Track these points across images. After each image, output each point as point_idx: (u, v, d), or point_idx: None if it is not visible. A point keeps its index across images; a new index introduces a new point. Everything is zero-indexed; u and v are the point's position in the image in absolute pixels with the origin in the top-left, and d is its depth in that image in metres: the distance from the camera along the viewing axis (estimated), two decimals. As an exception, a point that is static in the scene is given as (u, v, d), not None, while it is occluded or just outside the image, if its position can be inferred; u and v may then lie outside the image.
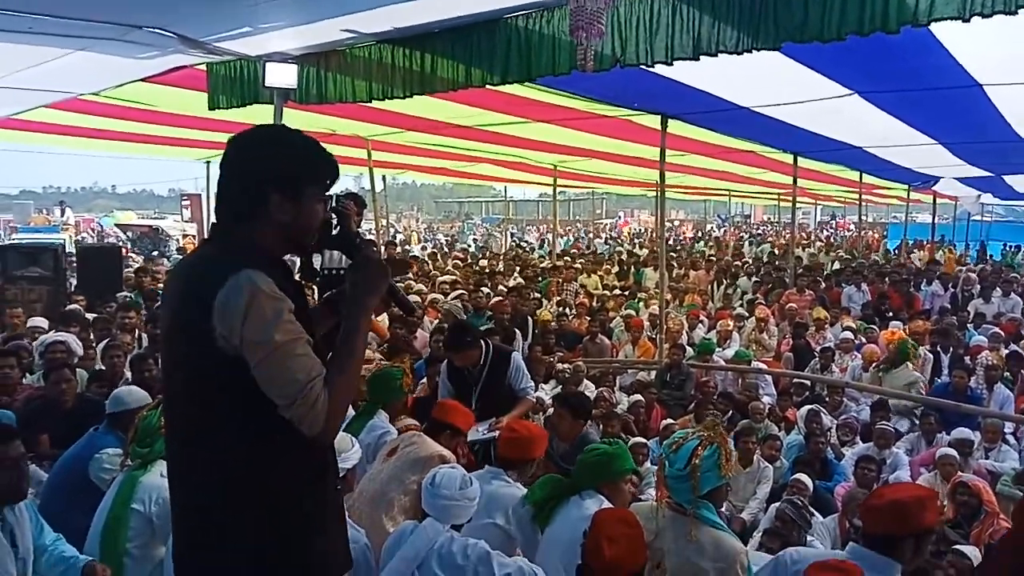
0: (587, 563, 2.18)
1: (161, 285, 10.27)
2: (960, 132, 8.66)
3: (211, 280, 1.61)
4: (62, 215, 28.22)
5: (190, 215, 30.35)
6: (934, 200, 21.16)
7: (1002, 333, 9.16)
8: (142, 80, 6.36)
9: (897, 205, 27.57)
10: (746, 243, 26.94)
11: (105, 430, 3.70)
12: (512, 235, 31.36)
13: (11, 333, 6.89)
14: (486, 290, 10.02)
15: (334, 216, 2.20)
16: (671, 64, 3.82)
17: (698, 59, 3.71)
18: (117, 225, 28.66)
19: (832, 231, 37.57)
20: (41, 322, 7.14)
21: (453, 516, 2.65)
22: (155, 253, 21.92)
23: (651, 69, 4.28)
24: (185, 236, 26.92)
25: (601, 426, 5.96)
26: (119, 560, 3.09)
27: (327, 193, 1.83)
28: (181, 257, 19.32)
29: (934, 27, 3.58)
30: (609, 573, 2.10)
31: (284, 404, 1.60)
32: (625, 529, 2.15)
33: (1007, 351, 8.15)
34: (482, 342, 4.72)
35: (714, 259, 17.06)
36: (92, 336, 6.92)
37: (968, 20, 3.02)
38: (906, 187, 18.11)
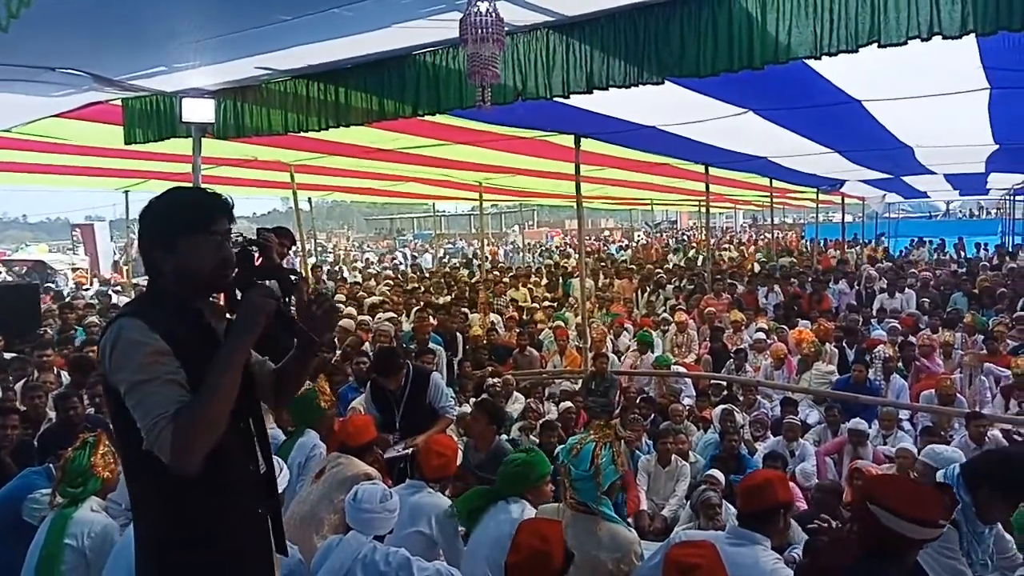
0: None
1: (84, 321, 10.11)
2: (851, 141, 9.27)
3: (105, 329, 1.92)
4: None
5: (83, 246, 29.18)
6: (842, 201, 22.31)
7: (899, 327, 9.83)
8: (56, 116, 6.34)
9: (812, 207, 28.94)
10: (671, 249, 27.76)
11: (38, 470, 3.76)
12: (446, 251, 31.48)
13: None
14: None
15: (256, 249, 2.34)
16: (567, 97, 4.14)
17: (592, 92, 4.04)
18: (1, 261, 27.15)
19: (755, 234, 38.99)
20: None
21: (375, 528, 2.85)
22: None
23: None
24: (76, 270, 25.47)
25: (538, 439, 6.20)
26: (54, 596, 3.16)
27: (217, 233, 1.98)
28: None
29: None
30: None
31: (143, 435, 1.78)
32: (534, 542, 2.36)
33: (899, 342, 8.79)
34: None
35: (634, 268, 17.55)
36: (10, 377, 6.81)
37: (819, 58, 3.42)
38: (815, 190, 19.08)
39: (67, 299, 14.58)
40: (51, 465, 3.74)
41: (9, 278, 22.28)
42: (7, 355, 7.63)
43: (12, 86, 5.09)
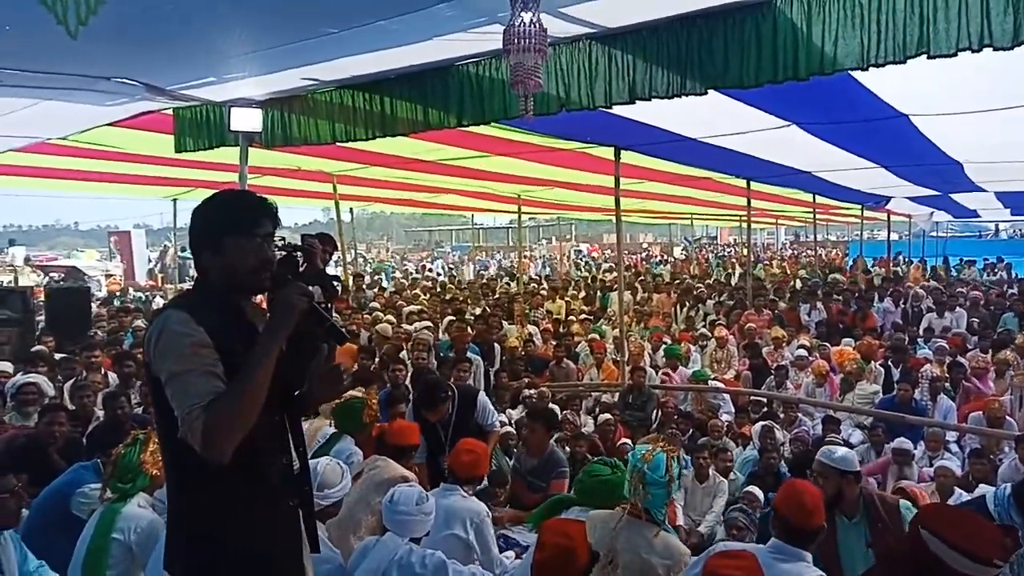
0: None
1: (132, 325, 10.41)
2: (898, 156, 9.09)
3: (151, 320, 2.05)
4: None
5: (118, 254, 29.71)
6: (888, 218, 21.86)
7: (947, 347, 9.56)
8: (109, 124, 6.55)
9: (856, 224, 28.37)
10: (713, 264, 27.47)
11: (87, 465, 3.86)
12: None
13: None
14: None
15: (299, 254, 2.40)
16: (610, 107, 4.15)
17: (634, 103, 4.04)
18: (37, 266, 27.74)
19: (797, 250, 38.37)
20: (6, 366, 7.15)
21: (411, 530, 2.87)
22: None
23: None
24: (108, 276, 25.85)
25: (568, 448, 6.17)
26: (100, 587, 3.24)
27: (259, 235, 2.04)
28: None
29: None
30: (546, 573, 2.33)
31: (178, 424, 1.85)
32: (559, 540, 2.35)
33: (948, 362, 8.55)
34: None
35: (675, 282, 17.38)
36: (59, 376, 7.01)
37: (866, 69, 3.38)
38: (860, 207, 18.71)
39: (119, 303, 14.98)
40: (99, 461, 3.85)
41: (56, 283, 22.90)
42: (57, 356, 7.87)
43: (70, 95, 5.27)
